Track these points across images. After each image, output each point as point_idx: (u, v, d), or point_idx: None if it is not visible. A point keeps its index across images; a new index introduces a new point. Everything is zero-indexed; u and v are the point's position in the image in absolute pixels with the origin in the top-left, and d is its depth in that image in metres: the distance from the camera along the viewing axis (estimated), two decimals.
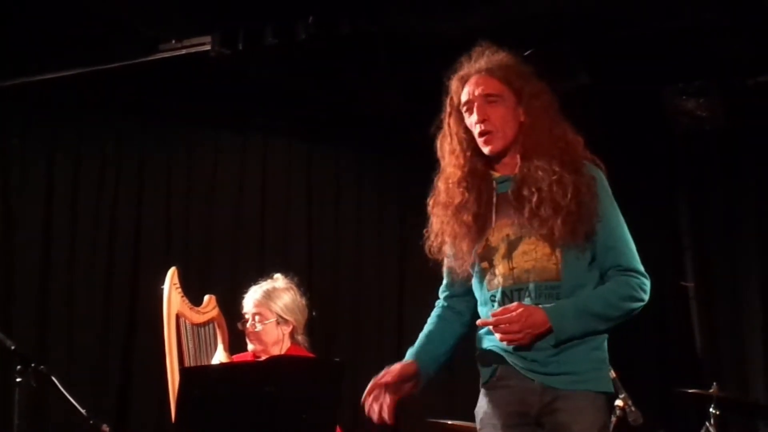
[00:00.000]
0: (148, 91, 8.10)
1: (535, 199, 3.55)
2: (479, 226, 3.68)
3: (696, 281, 8.31)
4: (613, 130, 7.61)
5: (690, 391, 6.77)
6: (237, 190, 8.86)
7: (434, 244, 3.85)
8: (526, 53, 3.81)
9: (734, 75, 7.70)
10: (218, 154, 8.84)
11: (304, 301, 5.29)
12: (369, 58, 7.52)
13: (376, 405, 3.75)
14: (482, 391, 3.72)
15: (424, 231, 3.87)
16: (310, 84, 8.13)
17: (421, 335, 3.92)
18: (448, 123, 3.80)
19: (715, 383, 6.65)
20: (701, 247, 8.59)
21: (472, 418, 6.50)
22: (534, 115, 3.65)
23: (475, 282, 3.75)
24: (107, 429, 5.10)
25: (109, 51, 7.41)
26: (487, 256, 3.67)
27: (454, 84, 3.79)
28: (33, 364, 4.98)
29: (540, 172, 3.56)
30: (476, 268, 3.71)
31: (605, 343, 3.63)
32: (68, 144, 8.27)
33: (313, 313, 5.41)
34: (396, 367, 3.77)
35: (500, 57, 3.75)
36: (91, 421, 5.09)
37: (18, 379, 4.95)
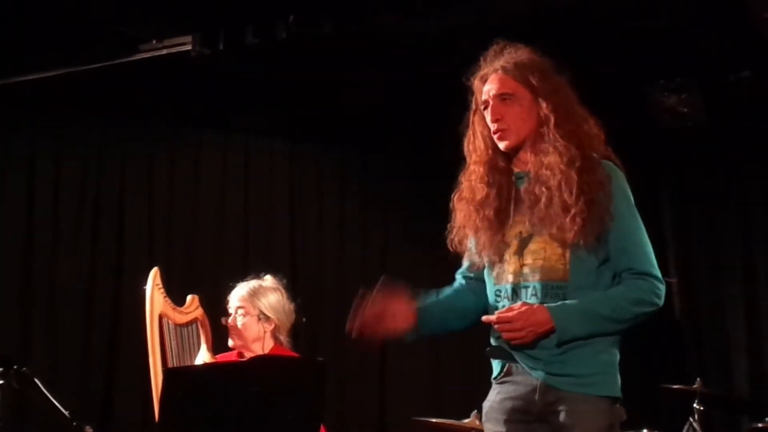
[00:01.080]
0: (129, 91, 8.08)
1: (544, 198, 3.54)
2: (500, 221, 3.67)
3: (679, 277, 8.32)
4: None
5: (674, 386, 6.78)
6: (219, 190, 8.86)
7: (456, 238, 3.84)
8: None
9: (716, 71, 7.72)
10: (200, 153, 8.83)
11: (291, 306, 5.27)
12: (351, 57, 7.51)
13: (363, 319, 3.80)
14: (493, 386, 3.71)
15: (448, 225, 3.85)
16: (291, 83, 8.12)
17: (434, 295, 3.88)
18: (473, 121, 3.81)
19: (699, 379, 6.68)
20: (684, 244, 8.61)
21: (458, 417, 6.53)
22: (550, 112, 3.64)
23: (486, 275, 3.75)
24: (90, 430, 5.09)
25: (90, 51, 7.39)
26: (498, 251, 3.66)
27: (475, 83, 3.79)
28: (15, 366, 4.96)
29: (548, 171, 3.56)
30: (487, 262, 3.71)
31: (615, 347, 3.59)
32: (49, 144, 8.25)
33: (303, 320, 5.40)
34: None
35: (518, 54, 3.74)
36: (74, 423, 5.08)
37: (0, 381, 4.93)
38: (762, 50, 7.19)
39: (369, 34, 7.15)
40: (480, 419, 6.06)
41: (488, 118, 3.69)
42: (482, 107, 3.73)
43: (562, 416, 3.48)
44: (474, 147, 3.79)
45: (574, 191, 3.50)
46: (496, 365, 3.70)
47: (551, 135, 3.61)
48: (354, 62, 7.57)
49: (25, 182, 8.11)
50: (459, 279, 3.98)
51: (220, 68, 7.67)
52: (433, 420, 6.63)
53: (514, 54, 3.74)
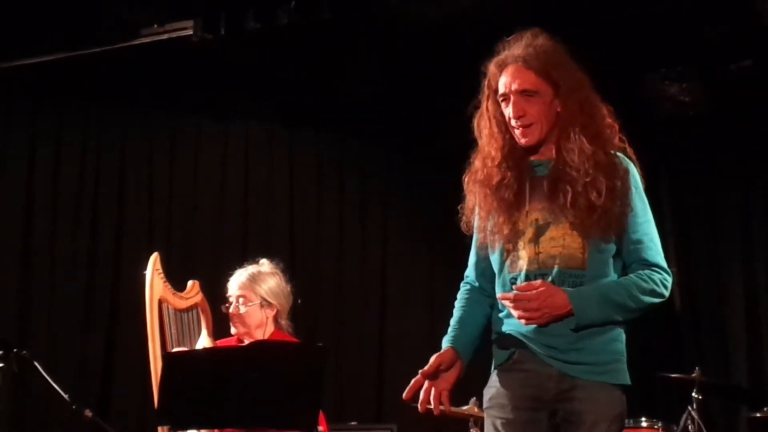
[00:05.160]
0: (130, 76, 8.07)
1: (569, 197, 3.53)
2: (516, 207, 3.65)
3: (678, 266, 8.32)
4: None
5: (673, 375, 6.79)
6: (219, 176, 8.84)
7: (469, 220, 3.80)
8: (507, 38, 3.76)
9: (716, 60, 7.70)
10: (200, 139, 8.81)
11: (288, 288, 5.28)
12: (351, 43, 7.50)
13: (429, 396, 3.70)
14: (495, 373, 3.69)
15: (459, 207, 3.81)
16: (291, 69, 8.11)
17: (453, 321, 3.83)
18: (486, 106, 3.75)
19: (697, 368, 6.68)
20: (683, 232, 8.60)
21: (457, 404, 6.52)
22: (570, 109, 3.61)
23: (496, 263, 3.71)
24: (90, 414, 5.10)
25: (91, 36, 7.37)
26: (512, 239, 3.63)
27: (491, 68, 3.72)
28: (15, 349, 4.96)
29: (575, 172, 3.54)
30: (499, 249, 3.67)
31: (623, 335, 3.62)
32: (49, 130, 8.24)
33: (299, 301, 5.40)
34: (433, 358, 3.70)
35: (539, 44, 3.67)
36: (74, 406, 5.09)
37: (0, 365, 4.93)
38: (763, 39, 7.18)
39: (370, 19, 7.14)
40: (479, 406, 6.09)
41: (508, 112, 3.64)
42: (500, 98, 3.67)
43: (576, 404, 3.50)
44: (489, 131, 3.74)
45: (603, 193, 3.52)
46: (500, 353, 3.68)
47: (576, 136, 3.59)
48: (354, 48, 7.56)
49: (24, 168, 8.10)
50: (470, 281, 3.90)
51: (221, 54, 7.66)
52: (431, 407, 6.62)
53: (536, 44, 3.67)
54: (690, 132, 8.45)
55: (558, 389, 3.52)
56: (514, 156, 3.70)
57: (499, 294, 3.61)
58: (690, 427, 6.55)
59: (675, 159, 8.72)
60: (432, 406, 3.72)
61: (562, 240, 3.56)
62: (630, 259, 3.60)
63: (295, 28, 6.94)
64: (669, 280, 3.61)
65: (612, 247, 3.58)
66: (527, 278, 3.57)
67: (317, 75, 8.13)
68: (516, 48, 3.68)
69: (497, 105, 3.71)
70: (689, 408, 6.59)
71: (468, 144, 3.87)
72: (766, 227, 8.30)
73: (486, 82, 3.75)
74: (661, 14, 6.97)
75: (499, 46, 3.76)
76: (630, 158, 3.68)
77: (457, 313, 3.85)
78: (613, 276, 3.58)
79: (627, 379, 3.59)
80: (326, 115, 8.95)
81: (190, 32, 7.18)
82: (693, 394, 6.60)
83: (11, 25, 7.28)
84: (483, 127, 3.76)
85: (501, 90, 3.66)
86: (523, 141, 3.65)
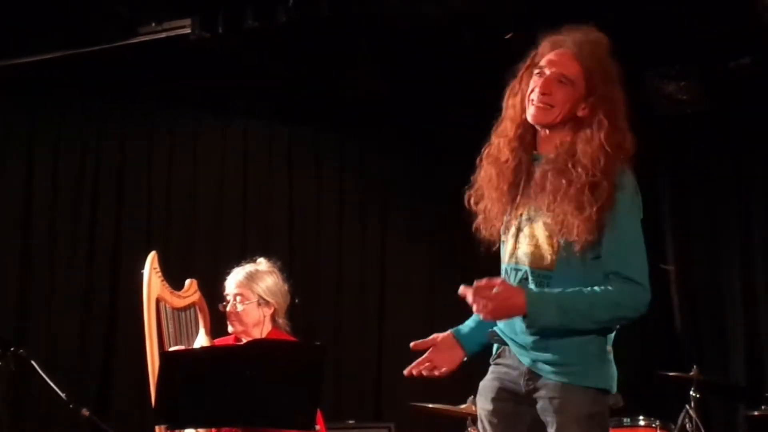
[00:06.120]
0: (128, 74, 8.07)
1: (560, 193, 3.51)
2: (510, 198, 3.66)
3: (676, 264, 8.33)
4: None
5: (670, 374, 6.79)
6: (218, 174, 8.84)
7: (475, 195, 3.77)
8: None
9: (715, 58, 7.70)
10: (199, 138, 8.81)
11: (286, 286, 5.28)
12: (350, 41, 7.50)
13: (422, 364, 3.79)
14: (490, 366, 3.75)
15: (471, 177, 3.80)
16: (290, 68, 8.11)
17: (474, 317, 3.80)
18: (521, 78, 3.74)
19: (695, 366, 6.68)
20: (682, 231, 8.61)
21: (455, 402, 6.54)
22: (594, 117, 3.59)
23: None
24: (87, 413, 5.10)
25: (89, 34, 7.37)
26: (505, 230, 3.69)
27: (545, 43, 3.72)
28: (12, 348, 4.96)
29: (581, 170, 3.51)
30: (502, 238, 3.72)
31: (605, 338, 3.58)
32: (48, 128, 8.24)
33: (296, 300, 5.40)
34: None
35: (597, 45, 3.69)
36: (71, 406, 5.08)
37: None
38: (762, 37, 7.18)
39: (369, 17, 7.14)
40: (476, 405, 6.10)
41: (535, 84, 3.63)
42: (536, 70, 3.66)
43: (542, 403, 3.52)
44: (512, 102, 3.73)
45: (599, 200, 3.47)
46: (494, 348, 3.74)
47: (597, 142, 3.55)
48: (353, 46, 7.56)
49: (23, 166, 8.10)
50: None
51: (220, 52, 7.65)
52: (430, 405, 6.63)
53: (594, 42, 3.69)
54: (688, 130, 8.46)
55: (527, 386, 3.56)
56: (525, 139, 3.69)
57: (461, 288, 3.53)
58: (688, 425, 6.55)
59: (673, 157, 8.72)
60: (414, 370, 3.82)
61: (535, 239, 3.57)
62: (606, 269, 3.52)
63: (294, 26, 6.93)
64: (643, 297, 3.51)
65: (588, 252, 3.52)
66: (506, 272, 3.63)
67: (316, 73, 8.13)
68: (576, 35, 3.69)
69: (529, 78, 3.70)
70: (687, 406, 6.59)
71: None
72: (765, 226, 8.30)
73: (532, 54, 3.74)
74: (660, 12, 6.97)
75: (562, 27, 3.74)
76: (631, 171, 3.62)
77: None
78: (590, 283, 3.51)
79: (601, 382, 3.55)
80: (325, 113, 8.95)
81: (189, 31, 7.17)
82: (691, 392, 6.60)
83: (10, 23, 7.28)
84: (510, 97, 3.75)
85: (542, 63, 3.65)
86: (531, 116, 3.63)
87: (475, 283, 3.50)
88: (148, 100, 8.50)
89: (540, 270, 3.55)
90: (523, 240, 3.60)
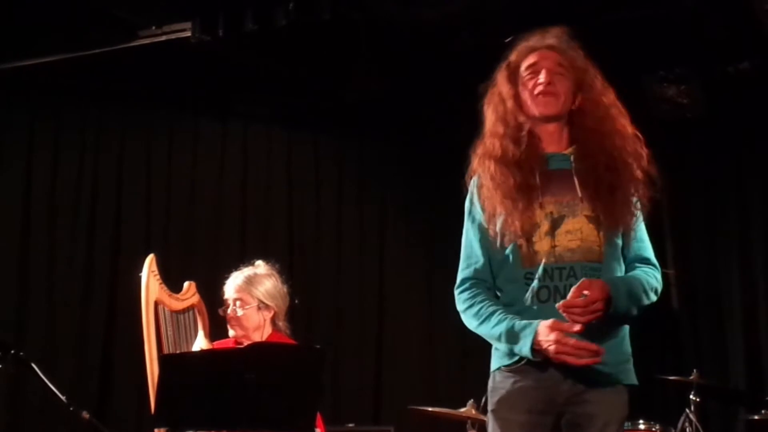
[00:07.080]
0: (128, 77, 8.07)
1: (604, 187, 3.57)
2: (528, 200, 3.59)
3: (676, 268, 8.32)
4: None
5: (671, 378, 6.79)
6: (217, 177, 8.84)
7: (477, 195, 3.71)
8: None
9: (714, 62, 7.71)
10: (198, 140, 8.82)
11: (285, 289, 5.27)
12: (349, 45, 7.50)
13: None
14: (504, 373, 3.59)
15: (468, 171, 3.76)
16: (290, 70, 8.11)
17: (500, 313, 3.58)
18: (502, 82, 3.73)
19: (695, 370, 6.68)
20: (682, 234, 8.61)
21: (454, 406, 6.52)
22: (590, 107, 3.68)
23: (504, 259, 3.62)
24: (87, 416, 5.08)
25: (89, 37, 7.38)
26: (525, 233, 3.56)
27: (518, 49, 3.75)
28: (12, 351, 4.95)
29: (621, 164, 3.63)
30: (512, 245, 3.58)
31: (628, 336, 3.64)
32: (48, 130, 8.24)
33: (296, 301, 5.39)
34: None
35: (571, 40, 3.75)
36: (71, 408, 5.07)
37: None
38: (761, 41, 7.18)
39: (369, 21, 7.14)
40: (476, 408, 6.09)
41: (534, 80, 3.65)
42: (527, 71, 3.67)
43: (588, 406, 3.49)
44: (503, 109, 3.71)
45: (638, 189, 3.65)
46: (511, 354, 3.57)
47: (628, 131, 3.70)
48: (353, 50, 7.56)
49: (23, 168, 8.10)
50: (480, 286, 3.71)
51: (220, 55, 7.66)
52: (429, 409, 6.63)
53: (569, 43, 3.74)
54: (688, 134, 8.46)
55: (571, 392, 3.50)
56: (520, 139, 3.66)
57: (559, 304, 3.41)
58: (688, 429, 6.55)
59: (673, 161, 8.71)
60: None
61: (579, 233, 3.55)
62: (632, 256, 3.63)
63: (294, 28, 6.93)
64: (661, 280, 3.66)
65: (620, 242, 3.61)
66: (545, 272, 3.53)
67: (316, 76, 8.13)
68: (547, 38, 3.73)
69: (512, 85, 3.70)
70: (687, 410, 6.59)
71: (468, 144, 3.86)
72: (765, 229, 8.31)
73: (505, 63, 3.76)
74: (660, 16, 6.97)
75: (528, 35, 3.77)
76: None
77: (491, 307, 3.63)
78: (624, 270, 3.61)
79: (636, 379, 3.62)
80: (325, 115, 8.96)
81: (188, 34, 7.18)
82: (691, 396, 6.60)
83: (10, 26, 7.28)
84: (493, 107, 3.74)
85: (531, 61, 3.68)
86: (540, 109, 3.64)
87: (574, 300, 3.40)
88: (148, 103, 8.50)
89: (590, 263, 3.54)
90: (564, 236, 3.55)
